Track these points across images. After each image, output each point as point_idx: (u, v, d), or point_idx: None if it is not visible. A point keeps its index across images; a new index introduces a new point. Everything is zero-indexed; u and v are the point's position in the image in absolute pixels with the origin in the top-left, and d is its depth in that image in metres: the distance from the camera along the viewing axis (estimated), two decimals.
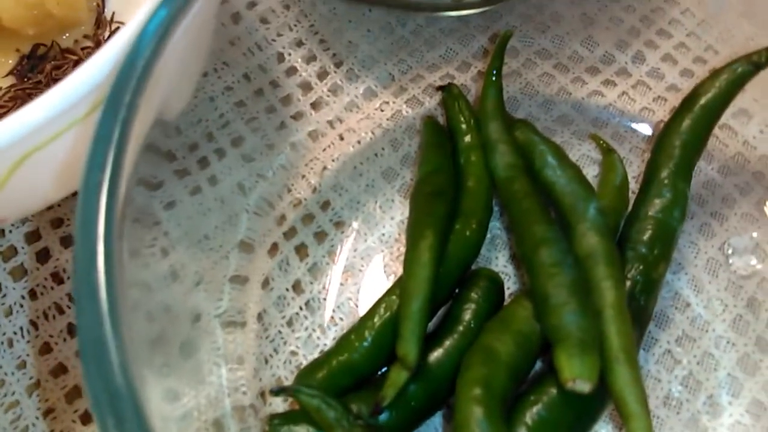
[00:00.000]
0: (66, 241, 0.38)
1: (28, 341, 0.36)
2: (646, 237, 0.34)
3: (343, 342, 0.33)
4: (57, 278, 0.37)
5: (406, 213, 0.38)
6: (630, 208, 0.36)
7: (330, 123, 0.41)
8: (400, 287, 0.33)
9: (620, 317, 0.30)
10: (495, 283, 0.34)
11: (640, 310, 0.32)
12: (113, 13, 0.40)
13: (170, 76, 0.26)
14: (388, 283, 0.36)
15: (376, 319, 0.32)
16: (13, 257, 0.38)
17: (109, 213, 0.21)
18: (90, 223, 0.20)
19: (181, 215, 0.33)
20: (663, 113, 0.40)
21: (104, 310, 0.20)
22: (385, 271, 0.37)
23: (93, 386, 0.19)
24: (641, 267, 0.33)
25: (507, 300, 0.35)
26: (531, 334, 0.31)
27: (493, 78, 0.38)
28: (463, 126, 0.38)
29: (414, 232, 0.34)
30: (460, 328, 0.32)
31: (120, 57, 0.23)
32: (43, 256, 0.38)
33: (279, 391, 0.30)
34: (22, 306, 0.37)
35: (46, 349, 0.36)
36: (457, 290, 0.34)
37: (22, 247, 0.38)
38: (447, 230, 0.34)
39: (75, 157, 0.29)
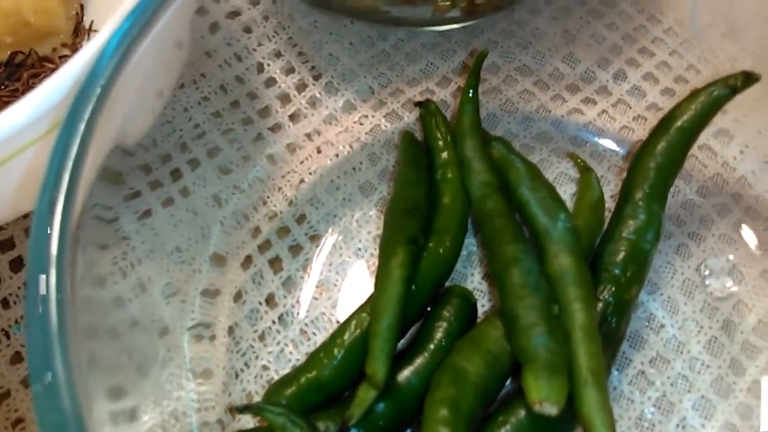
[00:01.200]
0: None
1: None
2: (619, 258, 0.33)
3: (312, 359, 0.32)
4: None
5: None
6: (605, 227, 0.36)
7: (308, 135, 0.41)
8: (370, 304, 0.32)
9: (590, 339, 0.30)
10: (467, 300, 0.34)
11: (612, 332, 0.32)
12: (92, 22, 0.40)
13: (133, 93, 0.26)
14: (363, 299, 0.36)
15: (346, 336, 0.32)
16: None
17: (62, 232, 0.20)
18: (41, 243, 0.20)
19: (152, 227, 0.33)
20: (643, 132, 0.40)
21: (53, 329, 0.19)
22: (360, 286, 0.37)
23: (39, 404, 0.19)
24: (613, 288, 0.33)
25: (481, 317, 0.35)
26: (501, 355, 0.31)
27: (470, 95, 0.38)
28: (440, 142, 0.38)
29: (386, 249, 0.33)
30: (431, 346, 0.32)
31: (80, 75, 0.23)
32: (16, 264, 0.38)
33: (244, 408, 0.30)
34: None
35: (17, 358, 0.35)
36: (429, 308, 0.34)
37: None
38: (419, 247, 0.34)
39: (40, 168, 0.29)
